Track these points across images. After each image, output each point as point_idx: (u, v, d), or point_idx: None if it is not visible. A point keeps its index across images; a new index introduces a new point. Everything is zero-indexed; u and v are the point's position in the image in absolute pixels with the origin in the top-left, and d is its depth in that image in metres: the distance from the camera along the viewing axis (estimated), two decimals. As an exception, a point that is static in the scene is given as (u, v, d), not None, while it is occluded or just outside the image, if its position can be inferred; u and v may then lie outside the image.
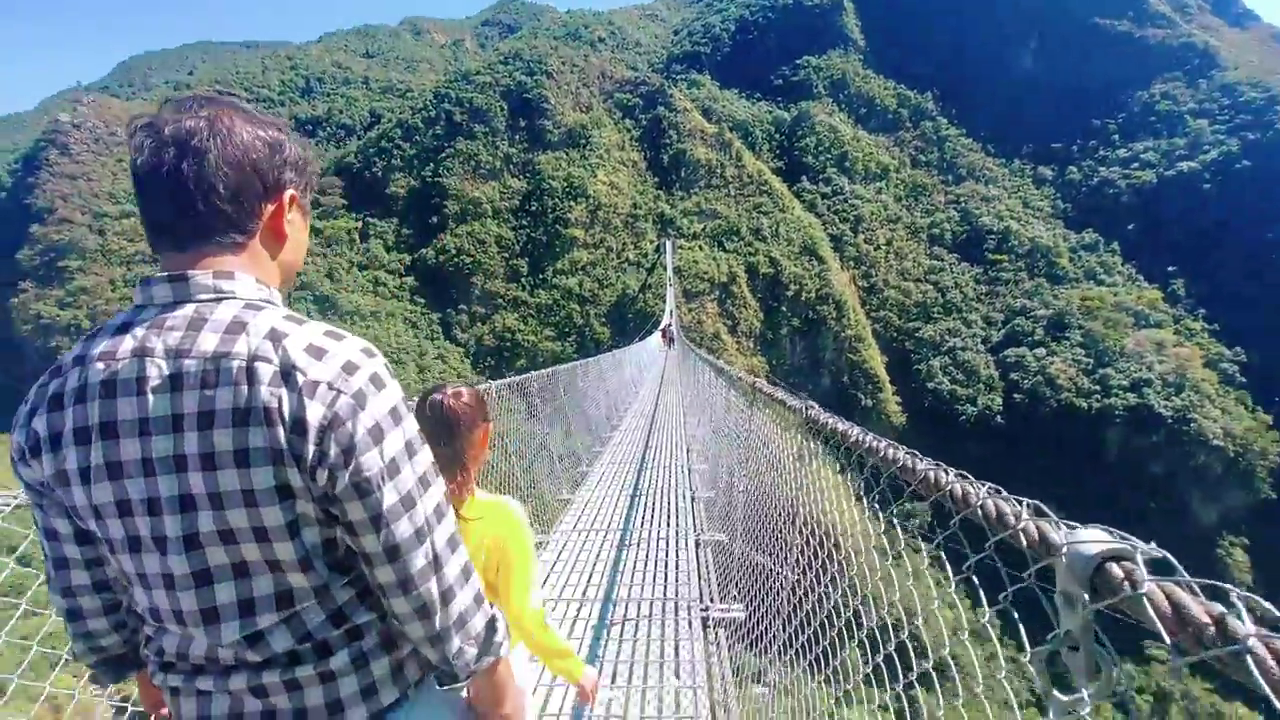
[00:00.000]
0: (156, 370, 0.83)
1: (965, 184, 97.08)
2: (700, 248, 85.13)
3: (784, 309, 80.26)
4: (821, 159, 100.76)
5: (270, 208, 0.96)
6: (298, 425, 0.82)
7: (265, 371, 0.83)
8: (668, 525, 6.66)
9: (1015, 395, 69.60)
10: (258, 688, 0.91)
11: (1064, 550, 0.76)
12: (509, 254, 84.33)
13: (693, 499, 7.62)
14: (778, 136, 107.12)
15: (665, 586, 5.01)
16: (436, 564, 0.94)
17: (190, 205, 0.88)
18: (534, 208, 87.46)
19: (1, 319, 71.20)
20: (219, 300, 0.88)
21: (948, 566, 1.46)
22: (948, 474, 1.27)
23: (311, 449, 0.83)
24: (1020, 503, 0.93)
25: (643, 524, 6.69)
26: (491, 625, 1.03)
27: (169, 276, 0.88)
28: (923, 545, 1.60)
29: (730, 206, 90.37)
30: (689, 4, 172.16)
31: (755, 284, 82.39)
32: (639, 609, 4.59)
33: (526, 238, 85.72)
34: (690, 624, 4.33)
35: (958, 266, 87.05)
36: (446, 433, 1.60)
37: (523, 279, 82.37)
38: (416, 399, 1.69)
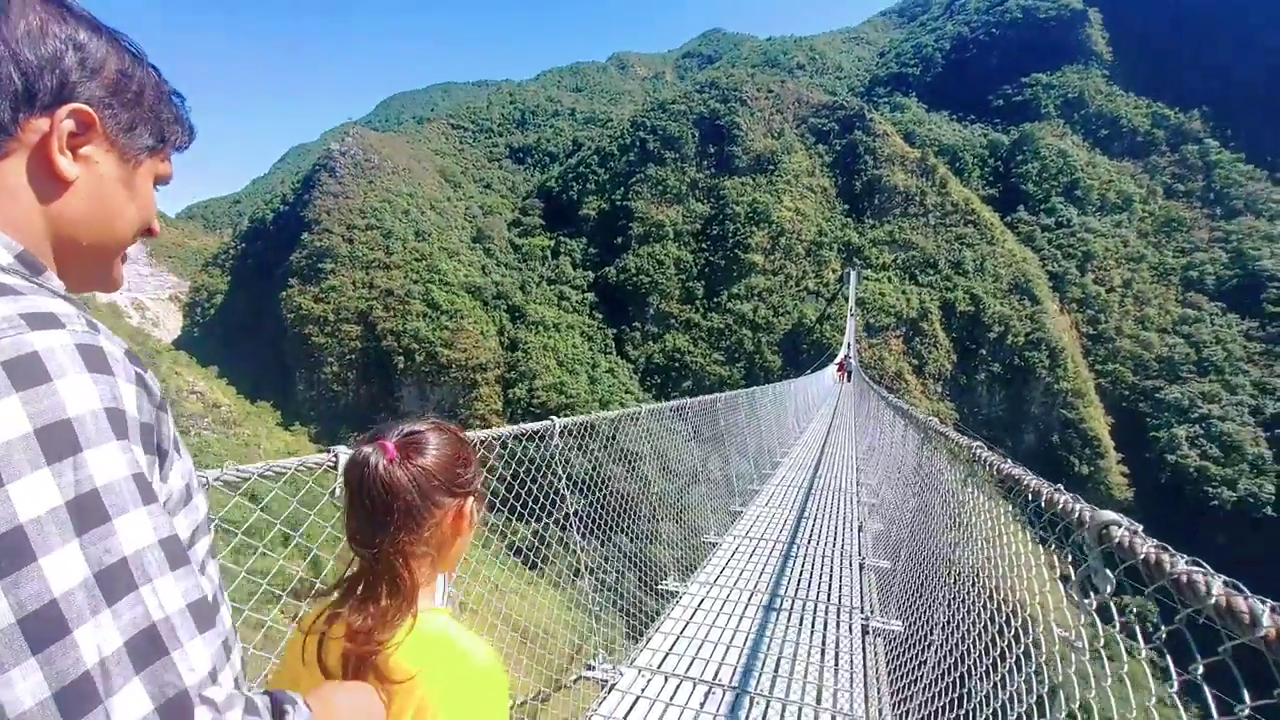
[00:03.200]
0: None
1: (1240, 220, 79.55)
2: (889, 279, 79.01)
3: (983, 352, 71.34)
4: (1045, 187, 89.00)
5: (34, 123, 0.61)
6: None
7: None
8: (833, 548, 6.64)
9: (1299, 484, 54.72)
10: None
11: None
12: (686, 276, 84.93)
13: (859, 529, 7.44)
14: (992, 162, 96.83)
15: (829, 594, 5.24)
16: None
17: None
18: (715, 232, 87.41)
19: (275, 307, 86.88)
20: None
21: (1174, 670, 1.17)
22: (1175, 558, 1.04)
23: None
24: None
25: (808, 542, 6.78)
26: None
27: None
28: (1142, 644, 1.38)
29: (928, 237, 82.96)
30: (899, 25, 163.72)
31: (950, 322, 74.38)
32: (802, 608, 4.86)
33: (705, 261, 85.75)
34: (850, 629, 4.52)
35: (1222, 318, 71.17)
36: (367, 510, 0.92)
37: (697, 301, 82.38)
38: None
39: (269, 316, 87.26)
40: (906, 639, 4.13)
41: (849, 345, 58.34)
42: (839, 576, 5.74)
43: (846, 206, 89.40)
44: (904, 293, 76.89)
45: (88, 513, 0.44)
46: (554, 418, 3.94)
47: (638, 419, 5.95)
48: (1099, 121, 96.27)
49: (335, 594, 0.97)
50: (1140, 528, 1.22)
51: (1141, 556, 1.09)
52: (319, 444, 55.63)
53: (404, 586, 0.92)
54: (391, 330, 77.71)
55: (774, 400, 13.92)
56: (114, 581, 0.44)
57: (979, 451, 2.97)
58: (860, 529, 7.34)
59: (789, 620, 4.68)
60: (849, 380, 34.53)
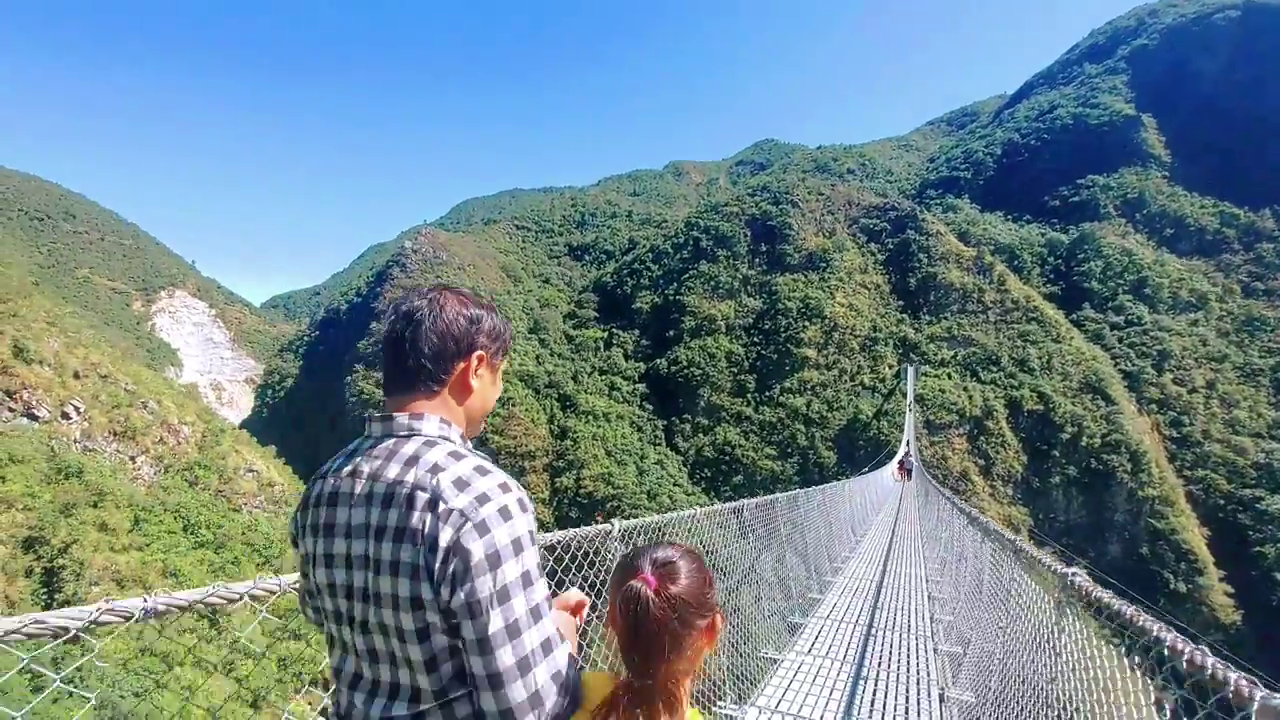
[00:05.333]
0: (359, 489, 1.16)
1: (1331, 319, 75.02)
2: (949, 376, 76.72)
3: (1056, 453, 67.15)
4: (1110, 284, 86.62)
5: (461, 365, 1.26)
6: (433, 545, 1.04)
7: (420, 499, 1.08)
8: (908, 632, 6.00)
9: None
10: None
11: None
12: (738, 369, 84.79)
13: (932, 618, 6.78)
14: (1052, 260, 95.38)
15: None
16: (516, 675, 1.04)
17: (404, 361, 1.24)
18: (767, 326, 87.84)
19: (340, 391, 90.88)
20: (409, 437, 1.19)
21: None
22: None
23: (439, 566, 1.04)
24: None
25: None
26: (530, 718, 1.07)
27: (381, 416, 1.24)
28: None
29: (988, 334, 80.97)
30: (948, 133, 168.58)
31: (1018, 421, 70.87)
32: (879, 660, 4.22)
33: (757, 354, 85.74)
34: (929, 696, 3.88)
35: (1325, 423, 65.57)
36: (637, 635, 1.10)
37: (749, 394, 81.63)
38: (615, 572, 1.23)
39: (333, 399, 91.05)
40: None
41: (908, 443, 56.07)
42: None
43: (901, 303, 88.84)
44: (965, 389, 74.26)
45: (528, 579, 1.07)
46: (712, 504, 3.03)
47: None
48: (1163, 221, 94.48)
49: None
50: None
51: None
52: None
53: (678, 707, 1.10)
54: (447, 416, 79.48)
55: (821, 506, 11.49)
56: (535, 612, 1.07)
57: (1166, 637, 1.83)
58: (943, 699, 5.39)
59: None
60: (909, 479, 33.05)
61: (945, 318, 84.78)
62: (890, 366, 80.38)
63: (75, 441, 31.81)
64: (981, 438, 69.89)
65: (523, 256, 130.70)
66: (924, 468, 44.02)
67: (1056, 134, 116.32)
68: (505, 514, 1.07)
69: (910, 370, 76.14)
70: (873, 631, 7.15)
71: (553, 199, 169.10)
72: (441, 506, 1.06)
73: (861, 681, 5.46)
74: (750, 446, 75.45)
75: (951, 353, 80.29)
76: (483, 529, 1.05)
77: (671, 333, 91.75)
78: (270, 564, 29.45)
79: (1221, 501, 62.63)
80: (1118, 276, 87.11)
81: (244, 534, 31.70)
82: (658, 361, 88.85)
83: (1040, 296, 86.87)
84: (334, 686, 1.26)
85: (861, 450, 65.53)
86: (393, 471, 1.14)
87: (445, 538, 1.04)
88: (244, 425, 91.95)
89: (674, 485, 71.53)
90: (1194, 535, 59.80)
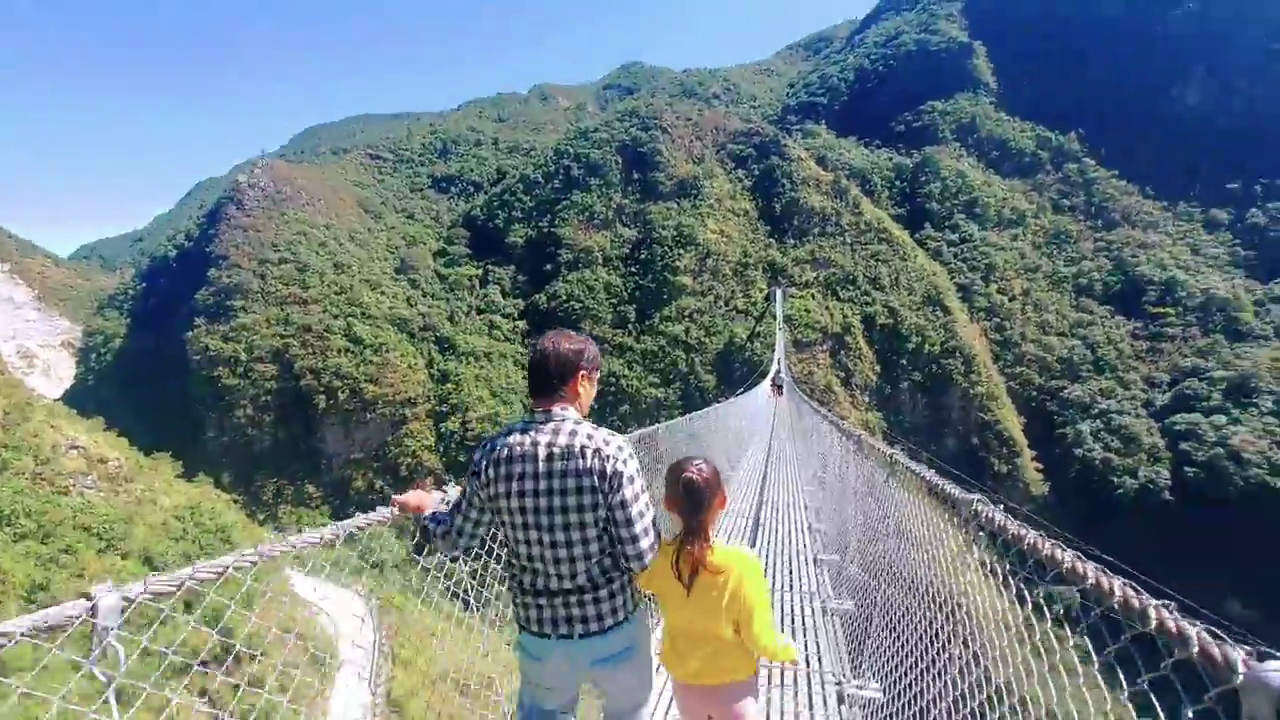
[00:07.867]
0: (541, 451, 2.03)
1: (1119, 230, 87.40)
2: (812, 296, 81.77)
3: (904, 362, 74.62)
4: (947, 205, 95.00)
5: (574, 379, 2.15)
6: (601, 473, 2.00)
7: (589, 450, 2.01)
8: (790, 590, 6.24)
9: (1188, 469, 59.55)
10: (569, 603, 2.09)
11: (1243, 678, 0.77)
12: (617, 300, 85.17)
13: (815, 561, 7.15)
14: (899, 184, 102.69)
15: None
16: (645, 534, 2.07)
17: (549, 379, 2.14)
18: (643, 256, 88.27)
19: (180, 349, 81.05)
20: (563, 421, 2.09)
21: (1099, 668, 1.45)
22: (1110, 579, 1.21)
23: (605, 484, 2.00)
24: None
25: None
26: (650, 555, 2.10)
27: (542, 410, 2.13)
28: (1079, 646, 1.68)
29: (846, 255, 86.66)
30: (805, 58, 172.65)
31: (872, 335, 77.56)
32: (769, 676, 4.38)
33: (635, 285, 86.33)
34: (825, 700, 4.14)
35: (1110, 320, 77.56)
36: (694, 503, 2.12)
37: (630, 325, 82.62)
38: (668, 469, 2.27)
39: (173, 360, 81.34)
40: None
41: (779, 361, 59.65)
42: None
43: (769, 228, 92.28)
44: (827, 309, 79.68)
45: (643, 490, 2.13)
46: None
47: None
48: (990, 144, 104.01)
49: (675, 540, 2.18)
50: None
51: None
52: (230, 492, 51.50)
53: (707, 534, 2.12)
54: (310, 368, 73.90)
55: (692, 436, 10.06)
56: (647, 506, 2.15)
57: (980, 508, 2.43)
58: (817, 560, 6.54)
59: None
60: (781, 395, 34.86)
61: (808, 240, 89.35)
62: (761, 290, 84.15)
63: None
64: (842, 352, 75.91)
65: (381, 190, 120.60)
66: (795, 384, 47.26)
67: (902, 61, 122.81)
68: (631, 456, 2.05)
69: (779, 293, 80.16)
70: (755, 550, 6.92)
71: (409, 125, 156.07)
72: (603, 452, 2.00)
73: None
74: (634, 376, 77.00)
75: (814, 274, 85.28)
76: (625, 464, 2.01)
77: (549, 266, 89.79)
78: (114, 547, 26.45)
79: (1034, 393, 73.07)
80: (954, 197, 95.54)
81: (76, 517, 28.13)
82: (536, 297, 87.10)
83: (890, 218, 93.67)
84: (517, 571, 2.15)
85: (738, 372, 68.98)
86: (563, 439, 2.02)
87: (608, 468, 1.98)
88: (69, 396, 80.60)
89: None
90: (1013, 424, 69.58)
